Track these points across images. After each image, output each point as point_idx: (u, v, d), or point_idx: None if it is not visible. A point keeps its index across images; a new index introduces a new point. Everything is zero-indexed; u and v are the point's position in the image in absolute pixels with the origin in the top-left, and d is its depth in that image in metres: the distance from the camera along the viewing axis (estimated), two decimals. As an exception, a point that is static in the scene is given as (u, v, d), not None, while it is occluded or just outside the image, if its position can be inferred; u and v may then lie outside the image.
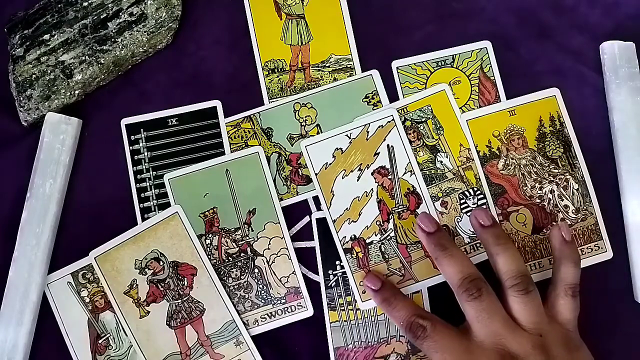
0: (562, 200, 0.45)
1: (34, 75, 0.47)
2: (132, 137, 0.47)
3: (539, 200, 0.45)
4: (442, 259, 0.40)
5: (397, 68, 0.47)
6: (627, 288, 0.45)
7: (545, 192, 0.45)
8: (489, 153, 0.46)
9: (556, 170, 0.46)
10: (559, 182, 0.45)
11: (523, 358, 0.37)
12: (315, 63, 0.48)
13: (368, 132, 0.46)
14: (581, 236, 0.45)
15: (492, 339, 0.38)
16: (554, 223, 0.45)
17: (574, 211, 0.45)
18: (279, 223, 0.46)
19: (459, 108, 0.47)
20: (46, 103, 0.46)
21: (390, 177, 0.46)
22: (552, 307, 0.40)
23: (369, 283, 0.43)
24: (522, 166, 0.46)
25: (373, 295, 0.43)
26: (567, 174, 0.46)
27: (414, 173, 0.46)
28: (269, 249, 0.45)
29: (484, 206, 0.45)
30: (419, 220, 0.42)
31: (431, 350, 0.38)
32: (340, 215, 0.45)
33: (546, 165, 0.46)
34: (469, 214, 0.45)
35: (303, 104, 0.47)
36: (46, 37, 0.47)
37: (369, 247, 0.45)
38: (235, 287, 0.45)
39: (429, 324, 0.39)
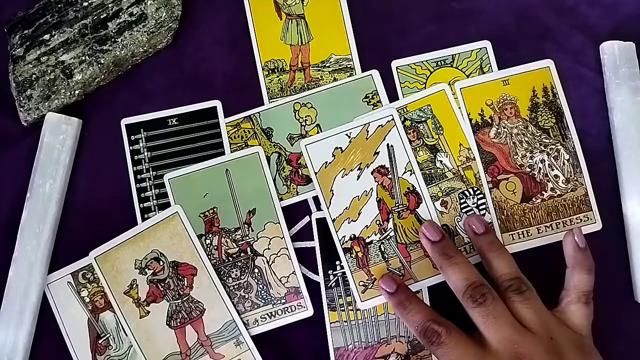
0: (553, 170, 0.45)
1: (34, 75, 0.47)
2: (132, 137, 0.47)
3: (529, 169, 0.45)
4: (447, 267, 0.41)
5: (397, 68, 0.47)
6: (627, 288, 0.44)
7: (536, 161, 0.45)
8: (481, 121, 0.46)
9: (547, 140, 0.46)
10: (550, 152, 0.45)
11: None
12: (315, 63, 0.48)
13: (368, 132, 0.46)
14: (570, 207, 0.45)
15: (506, 346, 0.37)
16: (568, 229, 0.43)
17: (564, 181, 0.45)
18: (279, 223, 0.46)
19: (458, 108, 0.47)
20: (46, 103, 0.46)
21: (390, 176, 0.46)
22: (563, 312, 0.40)
23: (384, 285, 0.43)
24: (513, 135, 0.46)
25: (388, 298, 0.43)
26: (559, 144, 0.46)
27: (414, 172, 0.46)
28: (269, 249, 0.45)
29: (484, 206, 0.45)
30: (424, 229, 0.43)
31: (445, 357, 0.38)
32: (340, 214, 0.45)
33: (538, 134, 0.46)
34: (468, 213, 0.45)
35: (303, 104, 0.47)
36: (46, 37, 0.47)
37: (369, 246, 0.45)
38: (235, 287, 0.45)
39: (444, 330, 0.38)
